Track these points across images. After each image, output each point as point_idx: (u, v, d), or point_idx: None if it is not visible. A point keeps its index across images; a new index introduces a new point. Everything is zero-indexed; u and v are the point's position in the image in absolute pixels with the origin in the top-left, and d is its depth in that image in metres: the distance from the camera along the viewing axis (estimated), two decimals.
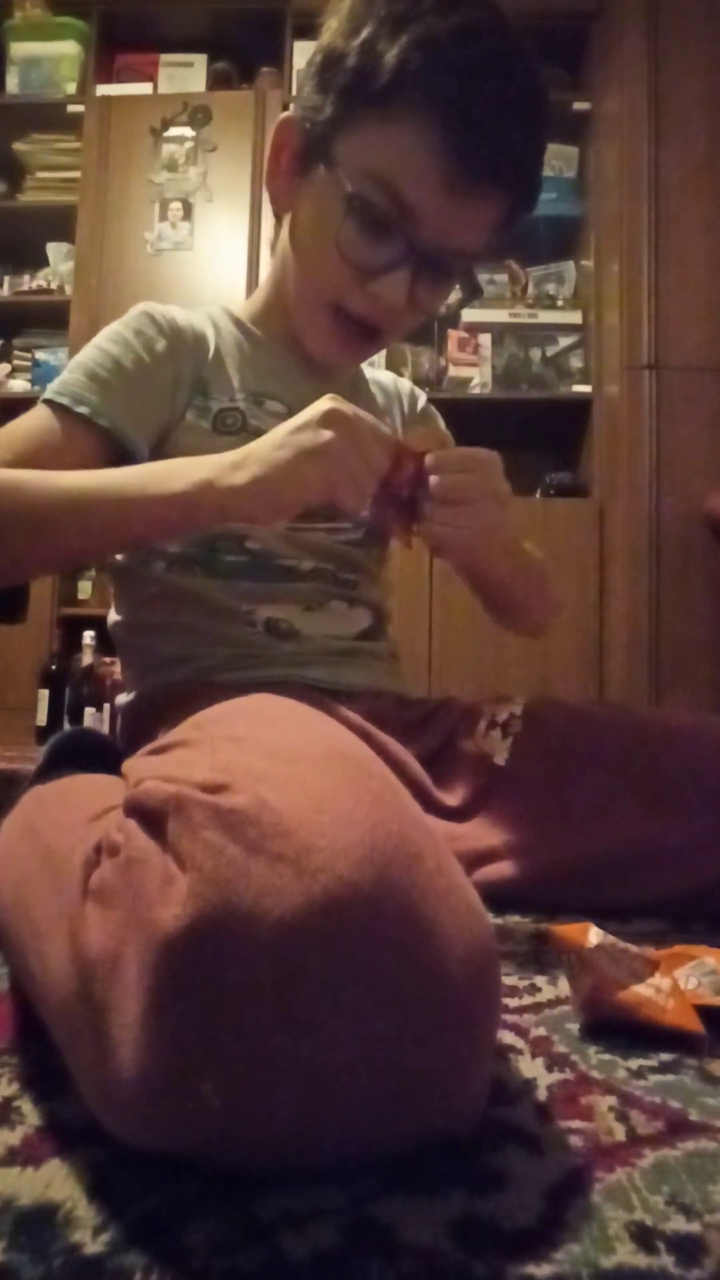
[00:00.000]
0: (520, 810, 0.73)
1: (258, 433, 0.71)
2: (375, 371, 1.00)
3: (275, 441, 0.61)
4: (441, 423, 1.01)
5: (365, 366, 0.97)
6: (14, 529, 0.65)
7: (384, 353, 2.52)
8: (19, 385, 2.70)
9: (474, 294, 0.79)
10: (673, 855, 0.68)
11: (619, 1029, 0.45)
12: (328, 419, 0.60)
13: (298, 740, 0.40)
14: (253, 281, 2.51)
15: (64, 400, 0.72)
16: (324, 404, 0.60)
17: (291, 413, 0.75)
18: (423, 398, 1.02)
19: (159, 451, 0.77)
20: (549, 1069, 0.42)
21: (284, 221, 0.80)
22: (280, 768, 0.35)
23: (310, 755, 0.38)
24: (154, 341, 0.77)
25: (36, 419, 0.73)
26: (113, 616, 0.88)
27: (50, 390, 0.74)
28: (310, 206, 0.74)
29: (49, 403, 0.73)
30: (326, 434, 0.59)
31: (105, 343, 0.77)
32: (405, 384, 1.02)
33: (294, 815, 0.31)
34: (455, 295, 0.81)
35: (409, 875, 0.31)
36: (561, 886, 0.70)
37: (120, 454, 0.74)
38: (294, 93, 2.58)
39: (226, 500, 0.61)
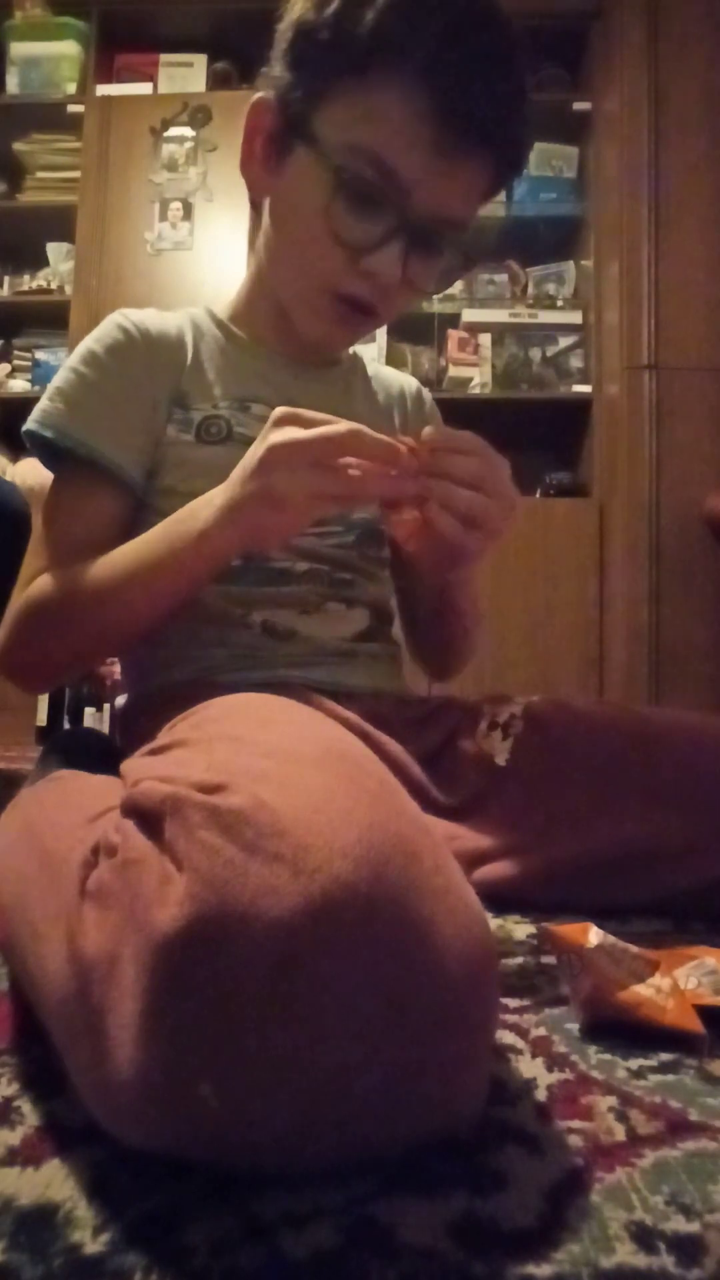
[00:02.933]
0: (520, 810, 0.73)
1: (244, 440, 0.72)
2: (379, 368, 0.98)
3: (237, 493, 0.62)
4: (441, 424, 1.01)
5: (368, 362, 0.96)
6: (72, 636, 0.71)
7: (384, 348, 2.52)
8: (19, 385, 2.71)
9: (468, 265, 0.77)
10: (673, 855, 0.68)
11: (619, 1029, 0.45)
12: (268, 461, 0.59)
13: (295, 740, 0.40)
14: None
15: (48, 434, 0.75)
16: (261, 446, 0.60)
17: None
18: (428, 398, 1.00)
19: (153, 474, 0.78)
20: (549, 1069, 0.42)
21: (263, 212, 0.79)
22: (278, 767, 0.35)
23: (308, 755, 0.38)
24: (129, 360, 0.78)
25: (58, 509, 0.77)
26: None
27: (32, 420, 0.75)
28: (292, 189, 0.72)
29: (32, 436, 0.76)
30: (268, 480, 0.59)
31: (81, 366, 0.77)
32: (411, 382, 0.99)
33: (291, 815, 0.31)
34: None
35: (406, 875, 0.31)
36: (561, 886, 0.70)
37: (118, 479, 0.76)
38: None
39: (225, 548, 0.65)
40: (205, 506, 0.65)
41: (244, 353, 0.83)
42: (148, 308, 0.83)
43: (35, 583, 0.74)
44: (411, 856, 0.32)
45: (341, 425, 0.58)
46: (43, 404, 0.76)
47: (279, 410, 0.60)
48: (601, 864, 0.69)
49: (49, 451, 0.78)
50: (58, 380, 0.77)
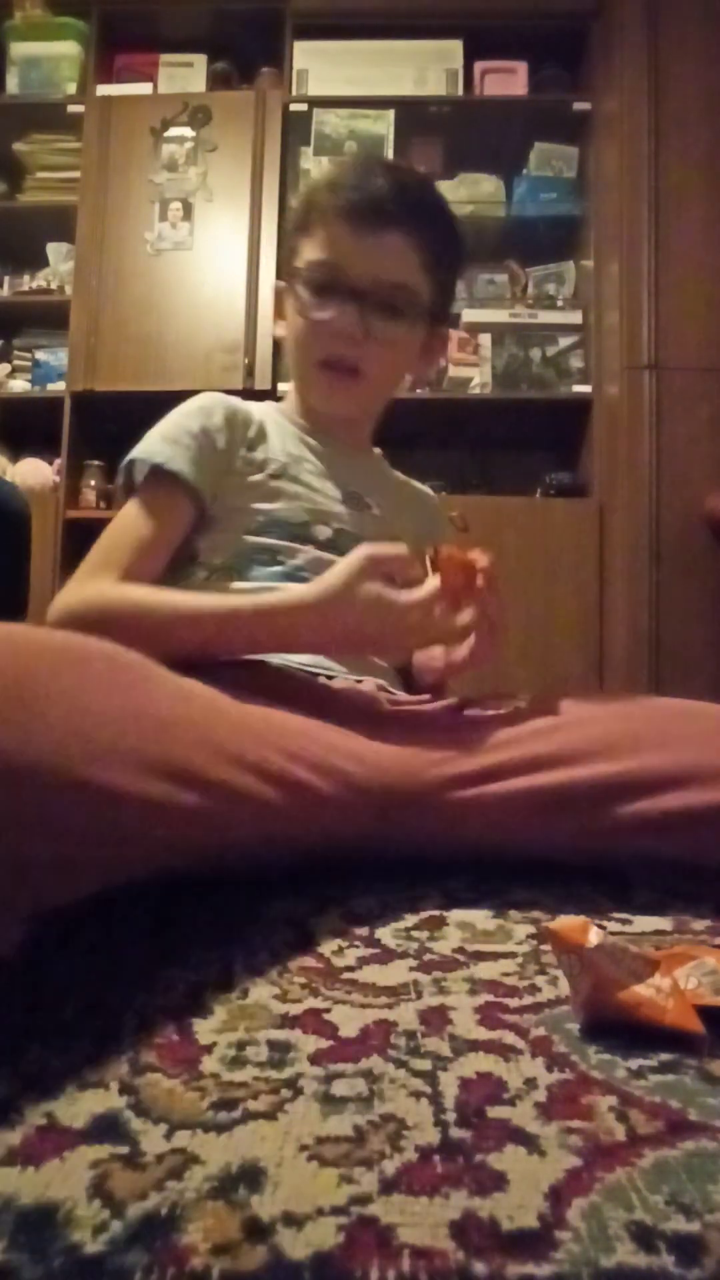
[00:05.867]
0: (525, 743, 0.73)
1: (293, 479, 0.94)
2: (404, 479, 1.14)
3: (347, 620, 0.75)
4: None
5: (395, 473, 1.12)
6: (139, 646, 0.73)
7: None
8: (19, 385, 2.70)
9: (418, 315, 0.94)
10: (677, 782, 0.67)
11: (619, 1029, 0.45)
12: (367, 616, 0.74)
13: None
14: (252, 280, 2.52)
15: (142, 456, 0.89)
16: (352, 595, 0.73)
17: (322, 473, 0.98)
18: (437, 506, 1.18)
19: (218, 495, 0.91)
20: (549, 1069, 0.42)
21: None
22: None
23: None
24: (210, 414, 0.93)
25: (129, 514, 0.88)
26: None
27: (135, 451, 0.90)
28: (289, 312, 0.96)
29: (130, 464, 0.90)
30: (362, 628, 0.74)
31: (175, 415, 0.93)
32: (428, 493, 1.17)
33: None
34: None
35: None
36: (562, 815, 0.69)
37: (195, 503, 0.89)
38: (293, 91, 2.59)
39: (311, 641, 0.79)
40: (293, 613, 0.76)
41: (299, 431, 1.00)
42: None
43: (106, 588, 0.82)
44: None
45: (424, 590, 0.73)
46: (141, 443, 0.91)
47: (363, 552, 0.74)
48: (606, 789, 0.68)
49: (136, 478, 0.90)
50: (154, 429, 0.93)
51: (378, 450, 1.13)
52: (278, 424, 0.99)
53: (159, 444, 0.90)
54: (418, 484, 1.16)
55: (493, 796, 0.70)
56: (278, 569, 0.89)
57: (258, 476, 0.93)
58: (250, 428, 0.96)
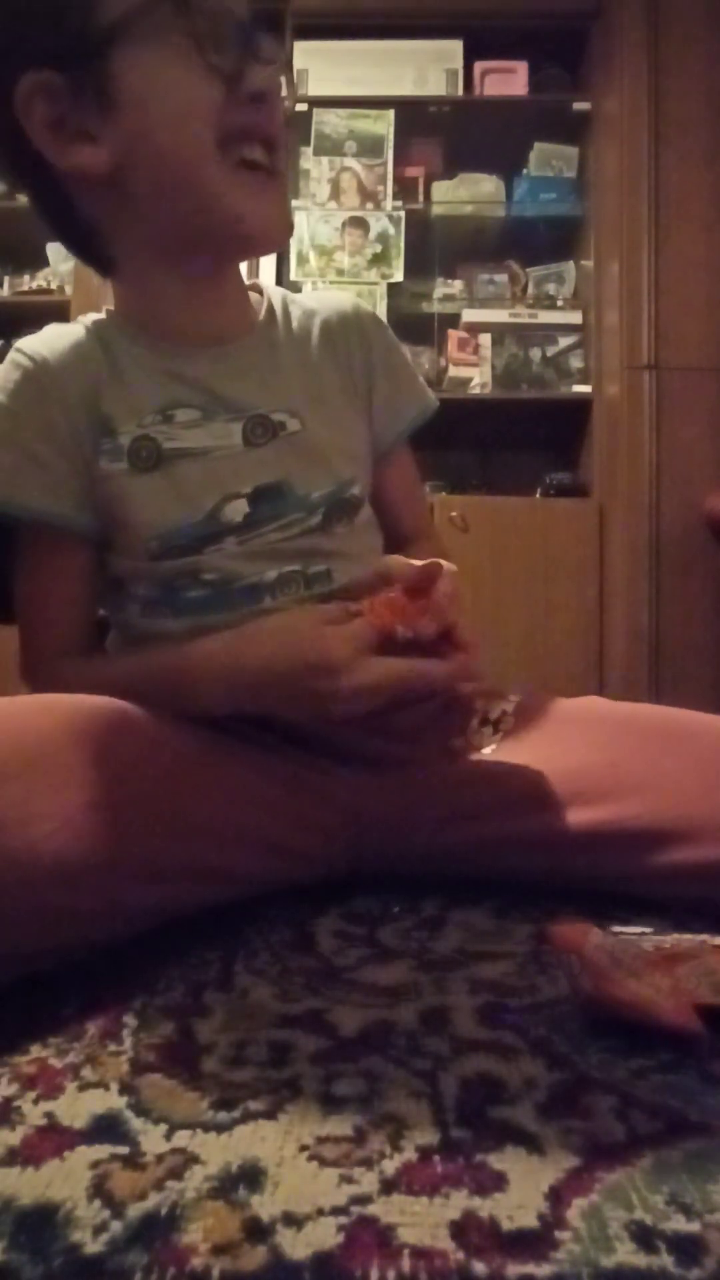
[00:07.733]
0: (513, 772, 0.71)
1: (174, 456, 0.71)
2: (300, 301, 0.85)
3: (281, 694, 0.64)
4: (398, 347, 0.88)
5: (288, 301, 0.84)
6: None
7: None
8: None
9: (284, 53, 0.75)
10: (675, 836, 0.64)
11: (619, 1029, 0.45)
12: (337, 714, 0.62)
13: None
14: (251, 279, 2.51)
15: None
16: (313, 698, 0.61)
17: (205, 416, 0.73)
18: (368, 319, 0.85)
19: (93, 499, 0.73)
20: (549, 1069, 0.42)
21: (94, 202, 0.74)
22: None
23: None
24: (36, 400, 0.71)
25: (19, 570, 0.74)
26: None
27: None
28: (142, 97, 0.65)
29: None
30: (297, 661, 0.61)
31: None
32: (347, 308, 0.84)
33: None
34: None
35: None
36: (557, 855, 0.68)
37: (69, 530, 0.73)
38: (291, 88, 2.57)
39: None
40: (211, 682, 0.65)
41: (154, 354, 0.75)
42: (48, 326, 0.77)
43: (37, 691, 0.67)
44: None
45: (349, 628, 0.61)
46: None
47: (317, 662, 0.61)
48: (603, 836, 0.66)
49: None
50: None
51: (255, 292, 0.83)
52: (124, 352, 0.74)
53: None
54: (331, 308, 0.83)
55: (474, 838, 0.69)
56: (205, 591, 0.73)
57: (129, 475, 0.71)
58: (96, 385, 0.72)
